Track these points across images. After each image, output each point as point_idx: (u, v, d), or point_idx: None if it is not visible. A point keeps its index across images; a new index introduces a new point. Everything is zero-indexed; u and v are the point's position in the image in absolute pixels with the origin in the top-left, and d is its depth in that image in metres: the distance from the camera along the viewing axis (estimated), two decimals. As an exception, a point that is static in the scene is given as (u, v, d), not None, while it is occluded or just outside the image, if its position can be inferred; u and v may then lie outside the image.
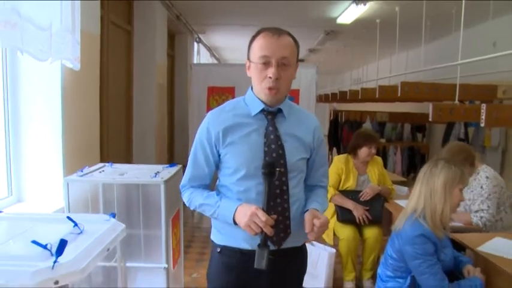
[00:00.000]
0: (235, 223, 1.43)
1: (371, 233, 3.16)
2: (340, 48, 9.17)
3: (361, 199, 3.19)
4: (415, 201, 1.99)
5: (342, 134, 8.85)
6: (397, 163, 7.55)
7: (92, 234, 1.42)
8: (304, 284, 3.19)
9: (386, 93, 6.00)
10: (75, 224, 1.44)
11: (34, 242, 1.23)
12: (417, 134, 8.29)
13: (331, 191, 3.24)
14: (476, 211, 2.68)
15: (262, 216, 1.35)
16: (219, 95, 5.24)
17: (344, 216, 3.20)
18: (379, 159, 3.46)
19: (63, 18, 2.49)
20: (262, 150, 1.48)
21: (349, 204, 3.17)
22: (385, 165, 6.66)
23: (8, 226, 1.53)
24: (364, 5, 5.60)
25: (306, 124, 1.58)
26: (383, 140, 7.72)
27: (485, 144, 6.24)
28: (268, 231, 1.35)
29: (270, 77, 1.44)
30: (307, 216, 1.45)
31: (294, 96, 5.55)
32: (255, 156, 1.47)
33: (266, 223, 1.35)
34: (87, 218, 1.60)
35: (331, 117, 9.29)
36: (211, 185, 1.61)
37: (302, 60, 11.68)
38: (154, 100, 5.38)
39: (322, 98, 10.74)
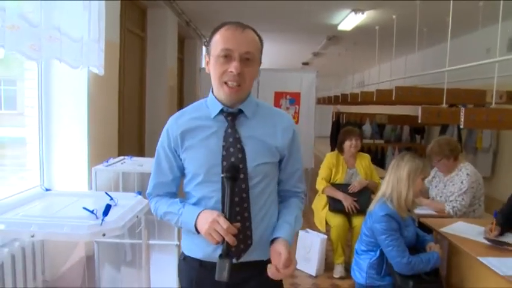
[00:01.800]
0: (197, 231, 1.34)
1: (359, 221, 3.52)
2: (342, 52, 9.48)
3: (349, 191, 3.58)
4: (385, 187, 2.38)
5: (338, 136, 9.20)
6: (395, 163, 7.88)
7: (124, 205, 1.82)
8: (297, 267, 3.60)
9: (383, 97, 6.33)
10: (111, 198, 1.84)
11: (84, 208, 1.64)
12: (416, 135, 8.62)
13: (323, 183, 3.64)
14: (451, 201, 3.03)
15: (224, 223, 1.25)
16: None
17: (335, 206, 3.58)
18: (366, 155, 3.86)
19: (91, 30, 2.89)
20: (220, 154, 1.37)
21: (339, 195, 3.56)
22: (383, 165, 7.04)
23: (59, 200, 1.94)
24: (362, 13, 5.97)
25: (274, 125, 1.45)
26: (382, 141, 8.07)
27: (477, 146, 6.56)
28: (230, 240, 1.25)
29: (231, 71, 1.33)
30: (271, 250, 1.35)
31: (296, 98, 5.96)
32: (213, 161, 1.37)
33: (228, 231, 1.25)
34: (119, 195, 2.01)
35: (334, 119, 9.64)
36: (177, 193, 1.52)
37: (307, 64, 12.06)
38: (165, 101, 5.80)
39: (325, 100, 11.09)
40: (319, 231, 3.73)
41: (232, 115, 1.40)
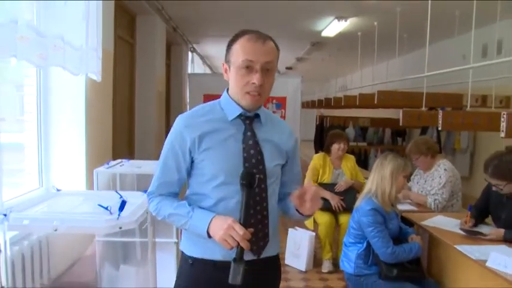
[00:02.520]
0: (209, 236, 1.36)
1: (345, 219, 3.71)
2: (325, 57, 9.71)
3: (336, 190, 3.78)
4: (370, 184, 2.57)
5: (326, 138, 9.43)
6: (377, 165, 8.14)
7: (134, 203, 1.97)
8: (288, 263, 3.79)
9: (366, 101, 6.57)
10: (121, 196, 1.99)
11: (99, 205, 1.78)
12: (397, 138, 8.89)
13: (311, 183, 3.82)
14: (433, 194, 3.25)
15: (240, 230, 1.28)
16: (214, 101, 5.85)
17: (322, 204, 3.75)
18: (351, 156, 4.07)
19: (89, 39, 3.03)
20: (240, 156, 1.42)
21: (326, 194, 3.75)
22: (367, 166, 7.27)
23: (70, 198, 2.08)
24: (345, 21, 6.20)
25: (282, 131, 1.55)
26: (364, 144, 8.32)
27: (455, 147, 6.86)
28: (245, 245, 1.28)
29: (253, 83, 1.38)
30: (291, 201, 1.40)
31: (282, 102, 6.16)
32: (234, 163, 1.41)
33: (243, 237, 1.28)
34: (127, 194, 2.15)
35: (317, 122, 9.86)
36: (179, 193, 1.53)
37: (290, 68, 12.28)
38: (155, 106, 5.92)
39: (310, 104, 11.31)
40: (307, 228, 3.91)
41: (249, 119, 1.45)
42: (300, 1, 5.22)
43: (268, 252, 1.47)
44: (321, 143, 10.12)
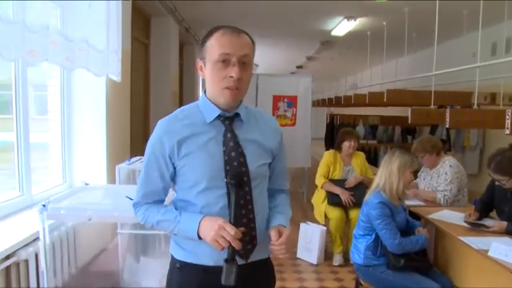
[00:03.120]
0: (199, 238, 1.33)
1: (355, 213, 3.81)
2: (335, 56, 9.80)
3: (346, 186, 3.90)
4: (378, 179, 2.69)
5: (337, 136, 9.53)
6: (387, 162, 8.24)
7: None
8: (299, 256, 3.92)
9: (375, 99, 6.66)
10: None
11: (127, 196, 1.93)
12: (407, 136, 8.95)
13: (322, 180, 3.96)
14: (442, 191, 3.36)
15: (231, 230, 1.27)
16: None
17: (333, 200, 3.90)
18: (361, 153, 4.19)
19: (110, 41, 3.18)
20: (222, 160, 1.37)
21: (337, 190, 3.88)
22: (376, 164, 7.36)
23: (99, 192, 2.24)
24: (355, 20, 6.29)
25: (267, 127, 1.49)
26: (374, 142, 8.40)
27: (465, 145, 6.91)
28: (237, 245, 1.28)
29: (231, 76, 1.33)
30: (272, 232, 1.39)
31: (293, 101, 6.28)
32: (215, 167, 1.36)
33: (235, 237, 1.27)
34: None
35: (328, 121, 9.96)
36: (165, 200, 1.50)
37: (301, 67, 12.39)
38: (169, 105, 6.08)
39: (320, 103, 11.41)
40: (318, 223, 4.04)
41: (229, 119, 1.40)
42: (309, 1, 5.34)
43: (256, 255, 1.43)
44: (332, 140, 10.21)
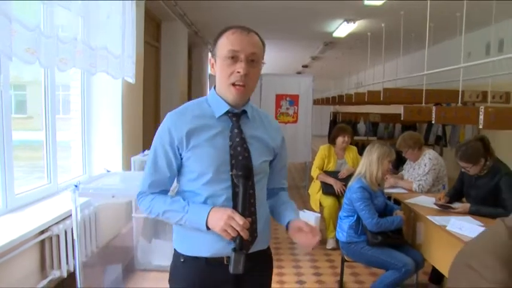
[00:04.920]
0: (207, 228, 1.37)
1: (347, 202, 4.22)
2: (339, 56, 10.10)
3: (339, 177, 4.28)
4: (360, 167, 3.07)
5: (332, 132, 9.84)
6: (387, 158, 8.57)
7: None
8: (296, 241, 4.27)
9: (374, 97, 6.97)
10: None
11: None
12: (407, 133, 9.24)
13: (317, 171, 4.34)
14: (418, 180, 3.72)
15: (240, 219, 1.30)
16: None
17: (327, 189, 4.28)
18: (354, 148, 4.56)
19: (125, 47, 3.58)
20: (228, 154, 1.42)
21: (330, 180, 4.25)
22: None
23: (119, 177, 2.63)
24: (354, 23, 6.62)
25: (270, 127, 1.56)
26: (375, 138, 8.73)
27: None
28: (245, 234, 1.31)
29: (238, 72, 1.39)
30: (300, 223, 1.46)
31: (294, 100, 6.66)
32: (221, 160, 1.41)
33: (243, 227, 1.30)
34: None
35: (331, 118, 10.30)
36: (169, 191, 1.53)
37: (306, 66, 12.73)
38: (178, 105, 6.45)
39: (324, 101, 11.75)
40: (314, 211, 4.41)
41: (236, 116, 1.46)
42: (311, 5, 5.68)
43: (256, 247, 1.48)
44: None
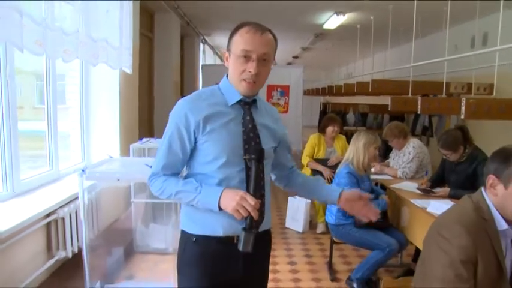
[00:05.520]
0: (219, 208, 1.43)
1: (336, 189, 4.41)
2: (329, 47, 10.22)
3: (328, 164, 4.46)
4: (348, 154, 3.25)
5: (322, 121, 10.01)
6: (376, 148, 8.80)
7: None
8: (288, 225, 4.49)
9: (363, 88, 7.13)
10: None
11: (146, 164, 2.47)
12: (396, 123, 9.45)
13: (307, 159, 4.53)
14: (403, 167, 3.93)
15: (251, 200, 1.37)
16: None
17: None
18: (342, 136, 4.75)
19: (123, 39, 3.71)
20: (241, 139, 1.50)
21: (320, 168, 4.44)
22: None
23: (121, 162, 2.78)
24: (343, 15, 6.76)
25: (273, 115, 1.68)
26: (364, 128, 8.94)
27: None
28: (255, 215, 1.38)
29: (249, 71, 1.47)
30: (346, 201, 1.63)
31: (285, 90, 6.82)
32: (235, 144, 1.49)
33: (254, 207, 1.37)
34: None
35: (321, 109, 10.47)
36: (180, 174, 1.59)
37: (296, 57, 12.85)
38: (171, 94, 6.61)
39: (314, 92, 11.90)
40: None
41: (248, 104, 1.56)
42: (301, -1, 5.81)
43: (262, 227, 1.56)
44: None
